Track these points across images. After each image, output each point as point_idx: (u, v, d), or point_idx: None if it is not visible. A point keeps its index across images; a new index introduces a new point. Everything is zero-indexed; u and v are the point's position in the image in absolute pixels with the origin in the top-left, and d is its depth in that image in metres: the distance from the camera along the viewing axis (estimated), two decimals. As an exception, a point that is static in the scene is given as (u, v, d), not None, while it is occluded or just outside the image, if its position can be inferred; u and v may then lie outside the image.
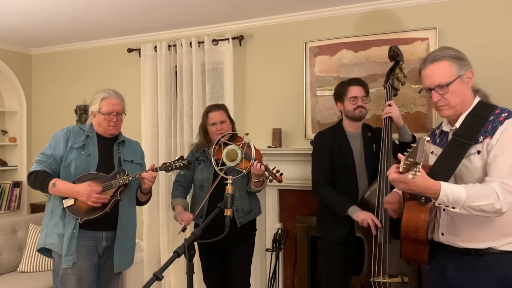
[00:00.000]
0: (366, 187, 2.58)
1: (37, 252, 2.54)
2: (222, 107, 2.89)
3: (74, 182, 2.42)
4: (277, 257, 3.36)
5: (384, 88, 2.65)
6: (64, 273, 2.40)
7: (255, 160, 2.58)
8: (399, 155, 1.56)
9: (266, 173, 2.61)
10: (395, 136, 2.62)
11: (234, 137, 2.78)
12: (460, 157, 1.70)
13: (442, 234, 1.79)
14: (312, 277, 3.43)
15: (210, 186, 2.74)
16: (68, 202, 2.42)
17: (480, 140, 1.68)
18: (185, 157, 2.67)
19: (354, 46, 3.27)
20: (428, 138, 1.44)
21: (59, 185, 2.38)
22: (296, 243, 3.47)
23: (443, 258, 1.81)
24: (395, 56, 2.63)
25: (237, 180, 2.67)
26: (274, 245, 3.37)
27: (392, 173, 1.57)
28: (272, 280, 3.36)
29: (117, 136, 2.63)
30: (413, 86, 3.08)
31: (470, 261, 1.72)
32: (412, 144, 1.44)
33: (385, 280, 2.33)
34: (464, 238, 1.72)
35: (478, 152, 1.68)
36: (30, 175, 2.44)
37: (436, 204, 1.62)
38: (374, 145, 2.63)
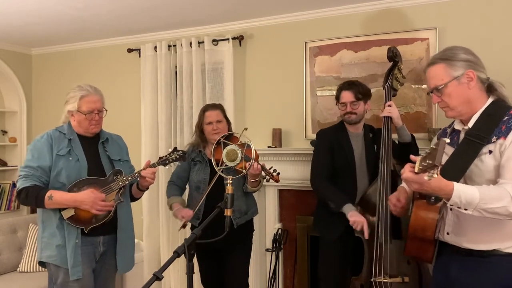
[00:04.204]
0: (365, 187, 2.58)
1: (36, 252, 2.52)
2: (219, 107, 2.86)
3: (68, 191, 2.27)
4: (277, 257, 3.36)
5: (383, 89, 2.66)
6: (65, 281, 2.29)
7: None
8: (412, 157, 1.53)
9: (262, 172, 2.58)
10: (394, 136, 2.62)
11: (230, 137, 2.76)
12: (472, 157, 1.66)
13: (448, 233, 1.77)
14: (312, 277, 3.43)
15: (206, 187, 2.69)
16: (68, 213, 2.27)
17: (492, 140, 1.64)
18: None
19: (354, 46, 3.26)
20: (448, 140, 1.41)
21: (56, 196, 2.23)
22: (296, 243, 3.47)
23: (448, 257, 1.80)
24: (393, 57, 2.63)
25: (234, 180, 2.66)
26: (274, 245, 3.37)
27: (406, 171, 1.53)
28: (272, 280, 3.36)
29: (99, 134, 2.48)
30: (413, 86, 3.08)
31: (473, 262, 1.70)
32: (432, 146, 1.41)
33: (385, 280, 2.33)
34: (470, 239, 1.71)
35: (490, 152, 1.64)
36: (20, 192, 2.25)
37: (448, 205, 1.59)
38: (375, 146, 2.63)
